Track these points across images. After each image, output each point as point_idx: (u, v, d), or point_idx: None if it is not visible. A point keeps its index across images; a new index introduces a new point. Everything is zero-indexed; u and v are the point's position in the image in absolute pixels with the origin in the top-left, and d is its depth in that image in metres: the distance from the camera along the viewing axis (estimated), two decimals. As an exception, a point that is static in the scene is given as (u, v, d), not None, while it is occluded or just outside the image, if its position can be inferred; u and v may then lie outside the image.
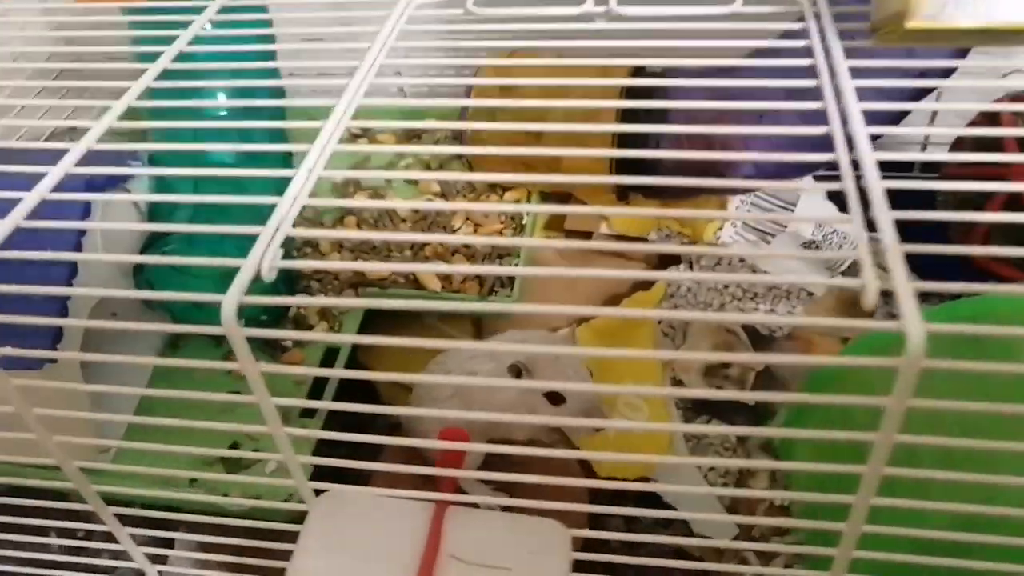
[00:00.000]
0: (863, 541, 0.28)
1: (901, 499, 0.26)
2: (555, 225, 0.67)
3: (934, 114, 0.66)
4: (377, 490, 0.31)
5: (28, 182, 0.32)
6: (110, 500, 0.39)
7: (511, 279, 0.59)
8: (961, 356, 0.22)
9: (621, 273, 0.64)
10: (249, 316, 0.53)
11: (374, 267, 0.59)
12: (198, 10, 0.43)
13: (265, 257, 0.26)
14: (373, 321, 0.60)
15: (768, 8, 0.38)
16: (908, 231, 0.25)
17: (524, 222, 0.64)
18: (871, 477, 0.25)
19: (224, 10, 0.43)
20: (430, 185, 0.67)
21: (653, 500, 0.57)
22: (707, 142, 0.56)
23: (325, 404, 0.31)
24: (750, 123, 0.53)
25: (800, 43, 0.35)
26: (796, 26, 0.37)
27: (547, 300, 0.64)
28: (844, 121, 0.30)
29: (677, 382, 0.66)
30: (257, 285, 0.26)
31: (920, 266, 0.27)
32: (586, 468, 0.58)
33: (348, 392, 0.59)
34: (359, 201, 0.57)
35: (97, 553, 0.54)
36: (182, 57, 0.39)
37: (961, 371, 0.24)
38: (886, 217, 0.25)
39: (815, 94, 0.33)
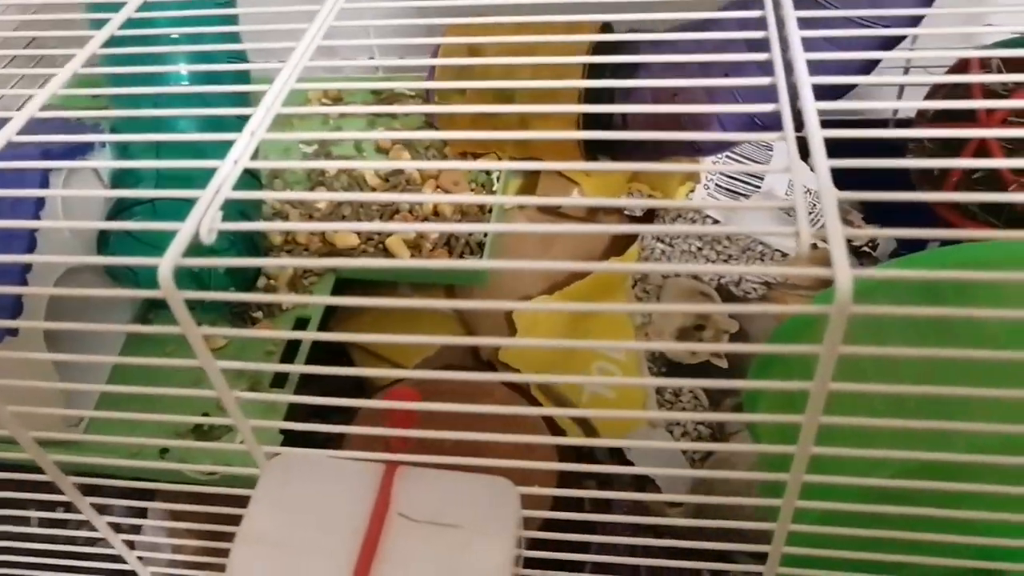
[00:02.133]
0: (812, 492, 0.29)
1: (838, 448, 0.26)
2: (527, 190, 0.67)
3: (907, 65, 0.66)
4: (328, 452, 0.31)
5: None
6: (81, 472, 0.39)
7: (480, 247, 0.59)
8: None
9: (593, 228, 0.64)
10: (217, 286, 0.53)
11: (335, 263, 0.58)
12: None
13: (204, 220, 0.26)
14: (343, 294, 0.60)
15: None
16: (873, 185, 0.25)
17: (495, 189, 0.63)
18: (809, 426, 0.25)
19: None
20: (399, 152, 0.66)
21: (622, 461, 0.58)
22: (672, 99, 0.56)
23: (279, 367, 0.31)
24: (715, 99, 0.53)
25: (756, 12, 0.35)
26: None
27: (518, 271, 0.64)
28: (789, 72, 0.30)
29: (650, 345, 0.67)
30: (204, 249, 0.26)
31: (892, 222, 0.27)
32: (554, 428, 0.58)
33: (326, 355, 0.59)
34: (306, 163, 0.57)
35: (78, 526, 0.55)
36: (132, 23, 0.39)
37: (902, 319, 0.24)
38: (822, 165, 0.25)
39: (764, 46, 0.32)
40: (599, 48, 0.56)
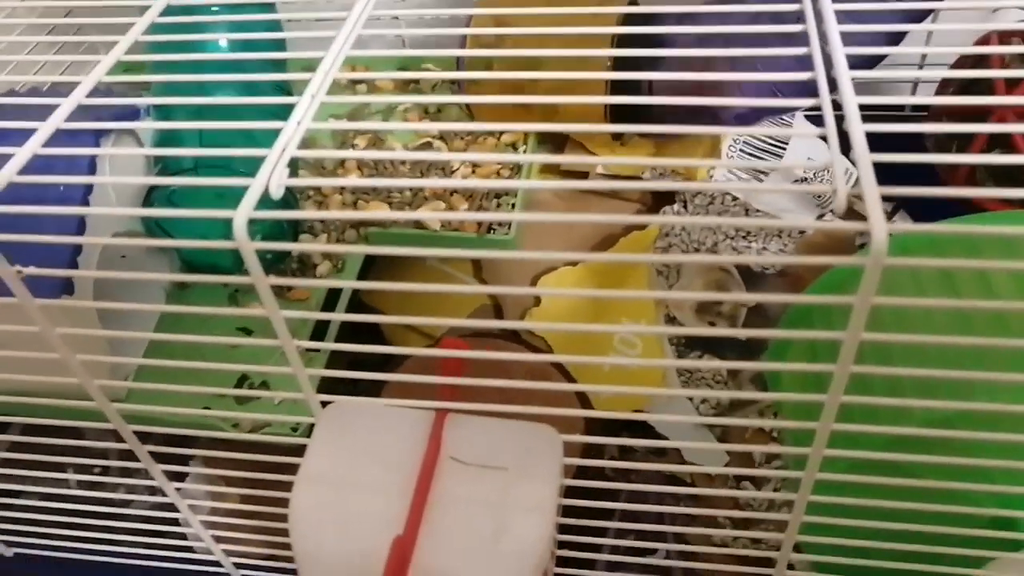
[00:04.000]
0: (838, 441, 0.30)
1: (869, 397, 0.28)
2: (552, 168, 0.68)
3: (923, 57, 0.67)
4: (380, 400, 0.33)
5: (40, 116, 0.34)
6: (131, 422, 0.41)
7: (508, 225, 0.61)
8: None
9: (615, 218, 0.65)
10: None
11: (374, 215, 0.60)
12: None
13: (273, 176, 0.28)
14: (375, 259, 0.62)
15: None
16: (894, 173, 0.27)
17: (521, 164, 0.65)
18: (840, 375, 0.27)
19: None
20: (429, 132, 0.68)
21: (646, 432, 0.60)
22: (698, 87, 0.57)
23: (333, 316, 0.33)
24: (742, 68, 0.54)
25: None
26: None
27: (544, 238, 0.65)
28: (828, 65, 0.31)
29: (671, 319, 0.68)
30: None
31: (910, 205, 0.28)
32: (583, 399, 0.60)
33: (351, 332, 0.61)
34: (362, 124, 0.59)
35: (114, 488, 0.57)
36: (172, 10, 0.40)
37: (933, 278, 0.26)
38: (857, 128, 0.27)
39: (802, 39, 0.34)
40: (628, 20, 0.57)
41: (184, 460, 0.51)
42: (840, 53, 0.30)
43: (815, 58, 0.31)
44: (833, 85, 0.30)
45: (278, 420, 0.46)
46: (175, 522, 0.49)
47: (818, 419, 0.29)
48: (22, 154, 0.31)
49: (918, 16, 0.51)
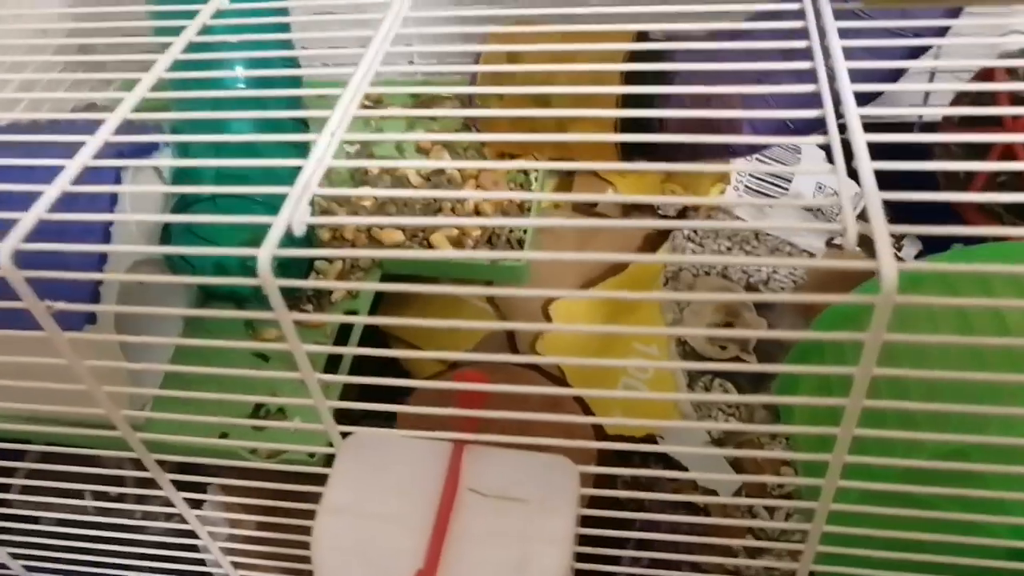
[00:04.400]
0: (852, 471, 0.31)
1: (881, 431, 0.28)
2: (563, 192, 0.69)
3: (932, 74, 0.68)
4: (399, 431, 0.33)
5: (65, 151, 0.34)
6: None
7: (521, 242, 0.62)
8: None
9: (625, 223, 0.66)
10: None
11: (392, 254, 0.61)
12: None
13: (295, 214, 0.29)
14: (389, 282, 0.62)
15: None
16: (901, 188, 0.27)
17: (533, 187, 0.66)
18: (852, 409, 0.27)
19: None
20: (440, 152, 0.69)
21: (660, 457, 0.60)
22: (706, 104, 0.58)
23: (352, 350, 0.33)
24: (751, 103, 0.55)
25: (793, 6, 0.37)
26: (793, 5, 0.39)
27: (556, 264, 0.66)
28: (831, 80, 0.32)
29: (683, 343, 0.69)
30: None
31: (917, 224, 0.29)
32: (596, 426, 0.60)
33: (366, 358, 0.61)
34: (379, 162, 0.60)
35: (130, 513, 0.57)
36: (204, 30, 0.41)
37: (945, 310, 0.26)
38: (866, 167, 0.27)
39: (806, 55, 0.35)
40: (636, 55, 0.58)
41: (202, 487, 0.52)
42: (848, 91, 0.31)
43: (824, 95, 0.32)
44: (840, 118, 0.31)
45: (295, 449, 0.46)
46: (193, 547, 0.50)
47: (830, 450, 0.30)
48: (51, 192, 0.31)
49: (920, 51, 0.52)
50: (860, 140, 0.29)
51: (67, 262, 0.40)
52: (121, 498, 0.53)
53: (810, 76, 0.34)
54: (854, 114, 0.30)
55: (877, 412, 0.29)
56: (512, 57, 0.61)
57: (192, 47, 0.40)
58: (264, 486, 0.41)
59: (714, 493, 0.59)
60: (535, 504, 0.30)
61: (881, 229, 0.25)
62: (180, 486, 0.42)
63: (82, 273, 0.32)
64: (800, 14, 0.37)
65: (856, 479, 0.31)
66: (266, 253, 0.27)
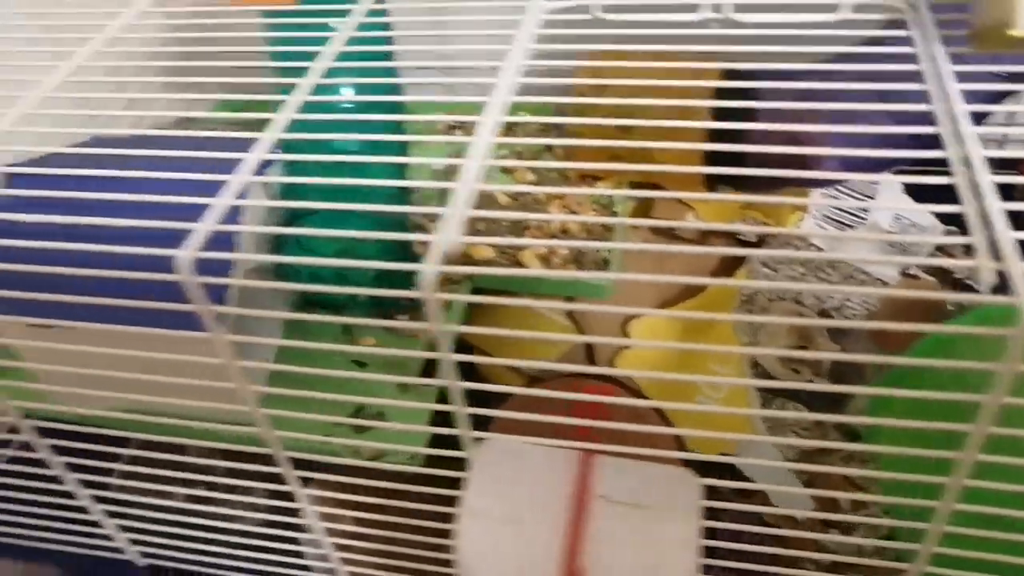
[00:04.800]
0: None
1: (1000, 483, 0.30)
2: (642, 214, 0.71)
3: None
4: (530, 439, 0.36)
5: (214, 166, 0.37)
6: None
7: (606, 263, 0.64)
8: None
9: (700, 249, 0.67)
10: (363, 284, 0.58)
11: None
12: (340, 13, 0.47)
13: (452, 233, 0.31)
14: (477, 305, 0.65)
15: (873, 16, 0.42)
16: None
17: (615, 210, 0.68)
18: (978, 436, 0.29)
19: (371, 13, 0.47)
20: (525, 174, 0.71)
21: (733, 474, 0.62)
22: (795, 139, 0.59)
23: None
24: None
25: (906, 49, 0.39)
26: (900, 33, 0.41)
27: (635, 284, 0.68)
28: (952, 120, 0.34)
29: (756, 364, 0.70)
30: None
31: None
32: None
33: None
34: (527, 187, 0.62)
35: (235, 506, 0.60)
36: (341, 56, 0.44)
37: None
38: (997, 207, 0.29)
39: (921, 96, 0.36)
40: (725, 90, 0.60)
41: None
42: (970, 131, 0.33)
43: (944, 133, 0.34)
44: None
45: (398, 449, 0.49)
46: (292, 540, 0.52)
47: (924, 471, 0.31)
48: (222, 204, 0.34)
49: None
50: (986, 179, 0.31)
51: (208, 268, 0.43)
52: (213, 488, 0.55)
53: (924, 117, 0.36)
54: (978, 156, 0.32)
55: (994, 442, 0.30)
56: (602, 89, 0.64)
57: (331, 72, 0.43)
58: (367, 484, 0.43)
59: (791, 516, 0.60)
60: (663, 511, 0.32)
61: (1017, 266, 0.26)
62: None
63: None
64: (913, 57, 0.39)
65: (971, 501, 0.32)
66: (432, 269, 0.30)
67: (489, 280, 0.64)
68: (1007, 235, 0.28)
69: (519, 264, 0.64)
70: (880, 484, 0.50)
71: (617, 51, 0.63)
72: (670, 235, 0.70)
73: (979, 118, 0.36)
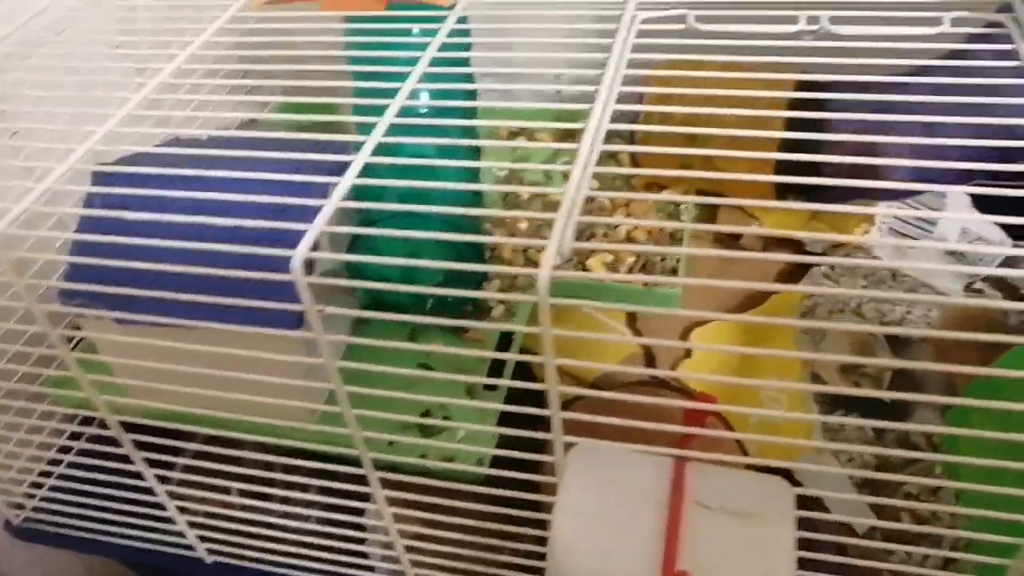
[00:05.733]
0: None
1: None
2: (706, 222, 0.71)
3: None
4: (621, 445, 0.36)
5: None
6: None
7: (674, 271, 0.64)
8: None
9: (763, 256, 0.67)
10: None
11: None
12: (431, 20, 0.48)
13: (564, 239, 0.31)
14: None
15: (974, 30, 0.41)
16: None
17: (682, 218, 0.68)
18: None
19: (459, 22, 0.48)
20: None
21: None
22: (867, 150, 0.59)
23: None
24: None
25: (1012, 63, 0.39)
26: (1007, 47, 0.40)
27: (699, 292, 0.68)
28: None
29: (816, 376, 0.70)
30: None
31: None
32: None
33: (518, 373, 0.64)
34: (634, 195, 0.64)
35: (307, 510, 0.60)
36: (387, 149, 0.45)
37: None
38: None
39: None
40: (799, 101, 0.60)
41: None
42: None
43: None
44: None
45: (466, 449, 0.49)
46: (358, 540, 0.52)
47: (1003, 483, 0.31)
48: (330, 206, 0.35)
49: None
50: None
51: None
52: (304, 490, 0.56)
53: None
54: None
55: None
56: (671, 98, 0.64)
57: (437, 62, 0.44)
58: (437, 485, 0.44)
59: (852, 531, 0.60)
60: (763, 518, 0.32)
61: None
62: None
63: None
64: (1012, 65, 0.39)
65: None
66: (545, 274, 0.30)
67: (557, 286, 0.65)
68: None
69: (586, 269, 0.64)
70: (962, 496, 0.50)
71: (690, 60, 0.64)
72: (733, 244, 0.70)
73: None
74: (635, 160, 0.69)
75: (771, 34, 0.43)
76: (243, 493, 0.53)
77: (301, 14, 0.55)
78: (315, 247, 0.33)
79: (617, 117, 0.38)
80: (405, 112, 0.43)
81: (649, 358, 0.69)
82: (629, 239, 0.66)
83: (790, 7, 0.43)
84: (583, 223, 0.62)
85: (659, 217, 0.69)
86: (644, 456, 0.35)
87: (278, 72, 0.53)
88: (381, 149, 0.56)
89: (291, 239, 0.34)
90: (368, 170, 0.58)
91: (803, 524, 0.61)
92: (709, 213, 0.71)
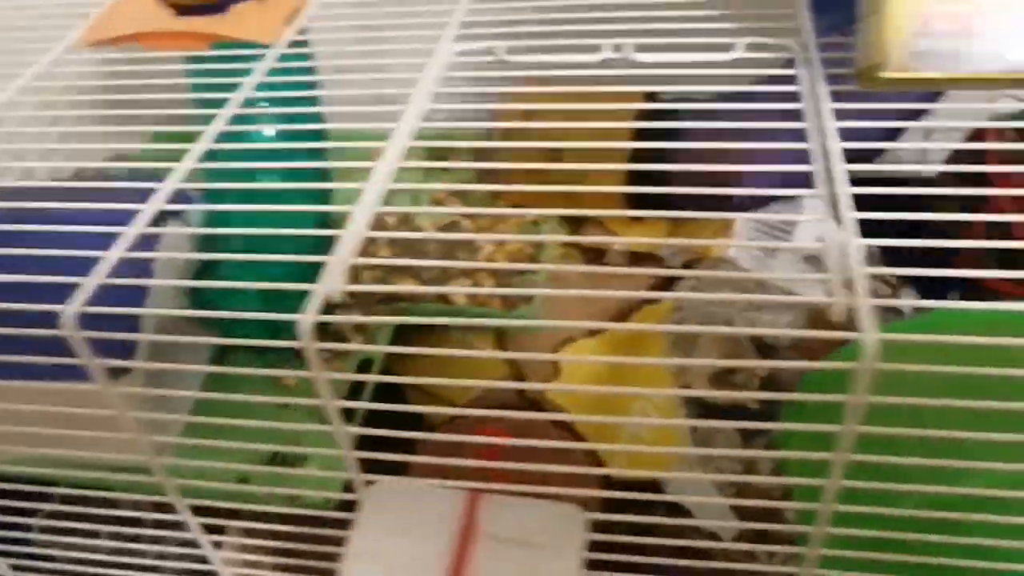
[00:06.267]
0: (840, 521, 0.33)
1: (866, 482, 0.31)
2: (572, 245, 0.72)
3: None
4: (419, 480, 0.36)
5: (117, 216, 0.37)
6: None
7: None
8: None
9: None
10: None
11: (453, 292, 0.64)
12: (254, 58, 0.48)
13: (335, 282, 0.31)
14: (403, 334, 0.65)
15: (765, 55, 0.43)
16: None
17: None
18: (839, 463, 0.30)
19: (283, 57, 0.48)
20: (452, 203, 0.72)
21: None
22: (710, 173, 0.61)
23: (386, 406, 0.36)
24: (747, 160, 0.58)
25: (790, 88, 0.40)
26: (789, 71, 0.42)
27: (565, 310, 0.68)
28: (825, 158, 0.35)
29: (688, 386, 0.71)
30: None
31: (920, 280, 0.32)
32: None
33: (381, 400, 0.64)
34: (421, 234, 0.63)
35: (143, 554, 0.59)
36: (245, 102, 0.45)
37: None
38: (855, 243, 0.30)
39: (801, 135, 0.38)
40: (645, 115, 0.61)
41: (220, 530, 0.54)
42: (844, 184, 0.34)
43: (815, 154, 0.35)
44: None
45: (312, 494, 0.49)
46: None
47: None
48: (111, 257, 0.34)
49: (915, 114, 0.55)
50: (849, 218, 0.32)
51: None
52: (137, 539, 0.55)
53: (803, 155, 0.37)
54: (845, 192, 0.33)
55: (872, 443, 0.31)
56: (525, 115, 0.65)
57: (234, 119, 0.44)
58: (281, 529, 0.43)
59: (716, 536, 0.61)
60: (546, 549, 0.33)
61: (864, 303, 0.27)
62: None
63: (149, 335, 0.35)
64: (795, 96, 0.40)
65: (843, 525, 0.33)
66: (307, 319, 0.30)
67: (417, 311, 0.65)
68: (860, 271, 0.29)
69: (447, 299, 0.64)
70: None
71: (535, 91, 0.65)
72: (599, 263, 0.71)
73: (856, 155, 0.37)
74: (492, 179, 0.70)
75: (577, 63, 0.43)
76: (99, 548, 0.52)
77: (127, 56, 0.55)
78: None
79: (409, 155, 0.38)
80: (208, 155, 0.43)
81: (519, 379, 0.69)
82: (491, 261, 0.67)
83: (596, 36, 0.44)
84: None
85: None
86: (441, 491, 0.36)
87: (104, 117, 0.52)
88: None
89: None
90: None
91: (670, 532, 0.62)
92: (574, 230, 0.72)
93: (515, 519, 0.34)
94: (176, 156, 0.40)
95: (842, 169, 0.34)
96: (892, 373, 0.31)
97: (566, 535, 0.33)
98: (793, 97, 0.39)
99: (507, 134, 0.66)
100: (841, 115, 0.38)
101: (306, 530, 0.45)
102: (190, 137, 0.46)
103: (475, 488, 0.35)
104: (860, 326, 0.27)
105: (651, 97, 0.64)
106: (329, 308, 0.56)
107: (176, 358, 0.59)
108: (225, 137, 0.44)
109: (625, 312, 0.70)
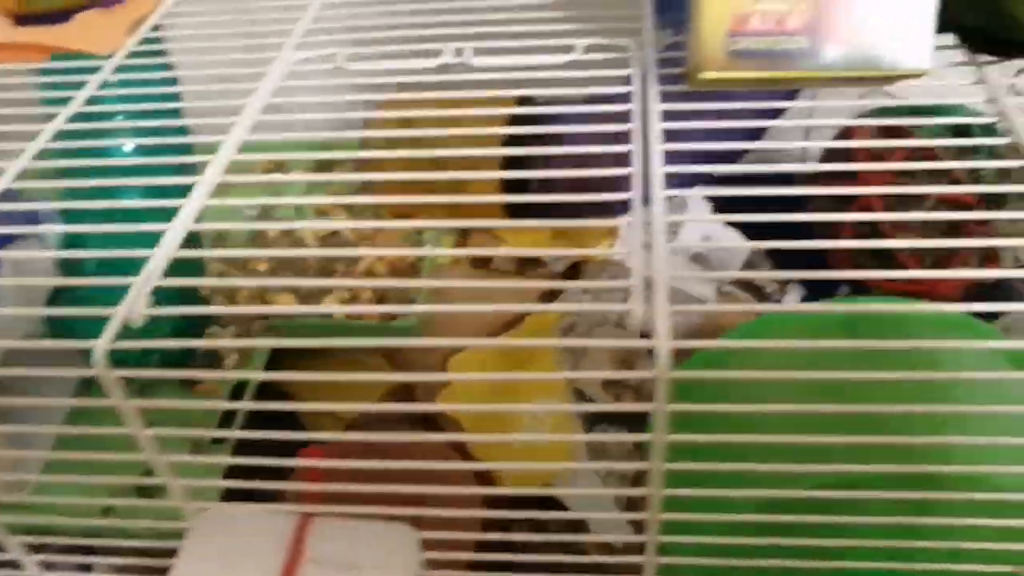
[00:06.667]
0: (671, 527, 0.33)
1: (685, 489, 0.31)
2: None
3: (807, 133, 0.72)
4: (250, 505, 0.35)
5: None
6: (29, 531, 0.42)
7: (412, 302, 0.64)
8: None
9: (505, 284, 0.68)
10: (165, 359, 0.56)
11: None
12: (91, 70, 0.46)
13: (135, 306, 0.30)
14: (285, 349, 0.63)
15: (602, 55, 0.43)
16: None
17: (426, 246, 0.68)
18: (657, 470, 0.30)
19: (121, 69, 0.46)
20: (339, 215, 0.71)
21: (556, 506, 0.62)
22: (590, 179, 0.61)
23: (199, 433, 0.35)
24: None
25: (623, 89, 0.40)
26: (623, 72, 0.42)
27: (452, 321, 0.68)
28: (644, 160, 0.35)
29: (580, 393, 0.71)
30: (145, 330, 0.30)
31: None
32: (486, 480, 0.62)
33: (267, 419, 0.62)
34: (224, 250, 0.61)
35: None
36: (79, 117, 0.43)
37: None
38: (661, 248, 0.30)
39: (626, 138, 0.37)
40: (515, 120, 0.60)
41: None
42: (659, 184, 0.34)
43: (635, 176, 0.35)
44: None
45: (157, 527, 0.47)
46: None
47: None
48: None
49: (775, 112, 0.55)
50: (660, 219, 0.31)
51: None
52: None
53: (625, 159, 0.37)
54: (659, 195, 0.33)
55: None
56: (403, 122, 0.64)
57: (77, 117, 0.42)
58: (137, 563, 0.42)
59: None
60: (373, 571, 0.32)
61: (661, 311, 0.27)
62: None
63: None
64: (626, 97, 0.40)
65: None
66: (101, 346, 0.29)
67: (294, 330, 0.63)
68: (662, 275, 0.29)
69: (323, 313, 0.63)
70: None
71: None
72: (486, 269, 0.71)
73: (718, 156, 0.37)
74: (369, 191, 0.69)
75: (417, 69, 0.43)
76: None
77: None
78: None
79: (234, 168, 0.37)
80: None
81: (410, 390, 0.68)
82: (371, 274, 0.66)
83: (443, 40, 0.44)
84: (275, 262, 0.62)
85: (405, 246, 0.68)
86: (270, 517, 0.34)
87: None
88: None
89: None
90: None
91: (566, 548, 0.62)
92: (460, 239, 0.71)
93: (343, 542, 0.33)
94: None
95: (660, 172, 0.34)
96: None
97: (395, 556, 0.33)
98: (625, 98, 0.39)
99: (369, 143, 0.65)
100: (668, 116, 0.38)
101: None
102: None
103: (306, 512, 0.34)
104: (656, 334, 0.26)
105: (524, 102, 0.64)
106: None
107: (34, 389, 0.57)
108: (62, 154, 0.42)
109: (515, 318, 0.70)
